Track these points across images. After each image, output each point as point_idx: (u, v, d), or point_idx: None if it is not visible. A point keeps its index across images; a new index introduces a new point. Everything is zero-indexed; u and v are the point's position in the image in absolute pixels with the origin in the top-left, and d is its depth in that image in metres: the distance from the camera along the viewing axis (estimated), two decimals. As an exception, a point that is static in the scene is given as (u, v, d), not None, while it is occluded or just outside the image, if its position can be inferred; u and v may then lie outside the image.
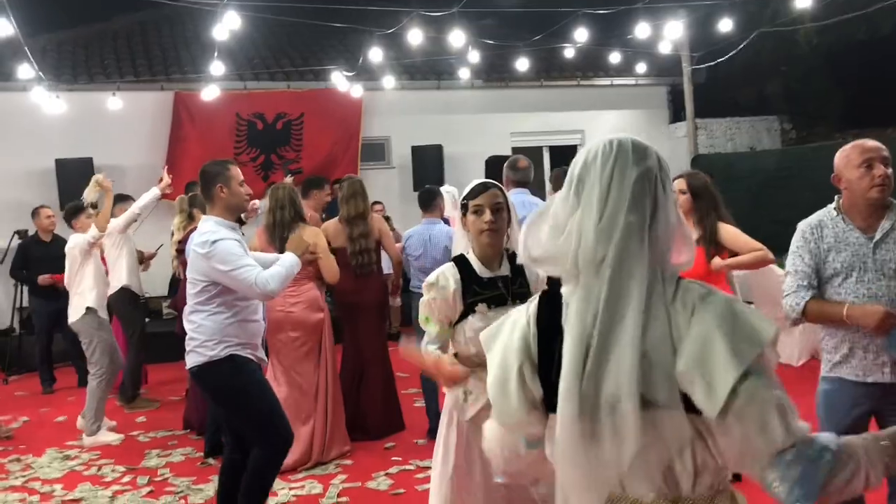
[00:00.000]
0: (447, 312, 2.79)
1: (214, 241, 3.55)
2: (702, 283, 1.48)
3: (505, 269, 2.84)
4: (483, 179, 2.90)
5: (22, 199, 9.25)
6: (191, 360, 3.68)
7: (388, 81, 10.44)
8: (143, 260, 7.50)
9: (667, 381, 1.37)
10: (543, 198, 6.27)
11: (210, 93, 9.69)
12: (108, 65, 11.03)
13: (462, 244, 2.93)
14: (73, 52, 11.40)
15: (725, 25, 9.34)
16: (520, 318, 1.58)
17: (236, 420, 3.83)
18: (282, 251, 4.92)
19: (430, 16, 8.24)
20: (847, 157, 3.00)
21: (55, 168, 9.89)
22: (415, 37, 8.04)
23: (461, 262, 2.86)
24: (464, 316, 2.79)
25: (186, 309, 3.74)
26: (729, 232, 4.31)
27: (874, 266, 2.94)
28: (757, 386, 1.36)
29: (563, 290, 1.51)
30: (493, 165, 8.57)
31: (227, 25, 7.09)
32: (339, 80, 10.09)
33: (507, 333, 1.57)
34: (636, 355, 1.36)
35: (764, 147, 12.41)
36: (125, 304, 6.93)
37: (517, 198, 5.45)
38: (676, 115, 12.63)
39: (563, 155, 12.77)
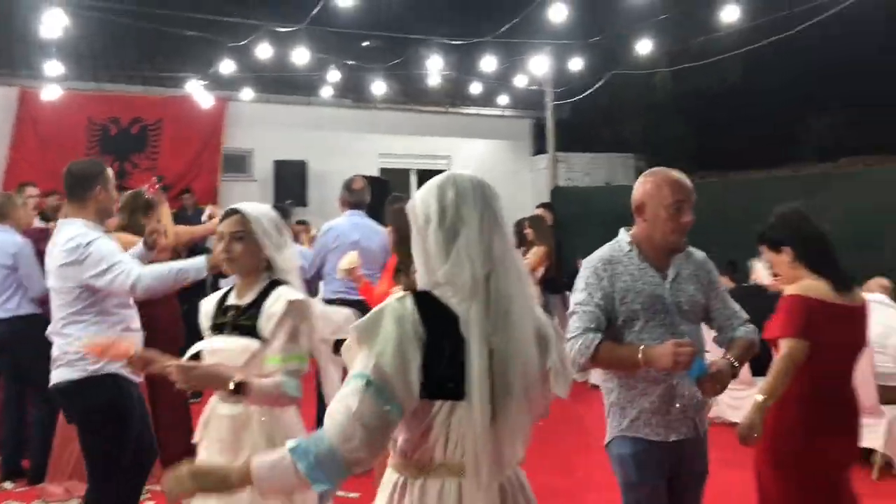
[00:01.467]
0: None
1: (88, 243, 3.28)
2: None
3: (249, 299, 2.70)
4: (234, 205, 2.76)
5: None
6: (61, 375, 3.34)
7: (247, 93, 10.23)
8: None
9: (539, 371, 1.80)
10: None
11: (51, 92, 9.17)
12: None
13: None
14: None
15: (581, 64, 9.71)
16: (404, 314, 1.71)
17: (99, 445, 3.44)
18: None
19: (281, 31, 8.13)
20: (658, 192, 2.70)
21: None
22: (264, 51, 7.92)
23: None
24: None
25: (56, 323, 3.41)
26: None
27: (673, 308, 2.71)
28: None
29: (454, 301, 1.73)
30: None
31: (54, 24, 6.72)
32: (194, 88, 9.80)
33: (393, 326, 1.69)
34: (534, 352, 1.76)
35: (619, 183, 12.93)
36: None
37: (351, 220, 5.41)
38: (539, 147, 12.98)
39: (430, 179, 12.88)
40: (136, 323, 3.57)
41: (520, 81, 10.90)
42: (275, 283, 2.68)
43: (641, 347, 2.57)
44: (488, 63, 9.33)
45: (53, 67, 8.51)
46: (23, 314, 4.95)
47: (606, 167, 13.24)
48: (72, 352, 3.30)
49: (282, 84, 11.31)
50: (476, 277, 1.71)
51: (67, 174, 3.50)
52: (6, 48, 10.67)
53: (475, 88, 11.21)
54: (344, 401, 1.65)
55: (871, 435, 5.22)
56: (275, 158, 11.09)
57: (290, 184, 10.95)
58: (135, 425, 3.44)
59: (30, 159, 9.91)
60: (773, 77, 12.72)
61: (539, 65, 10.13)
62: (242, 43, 8.60)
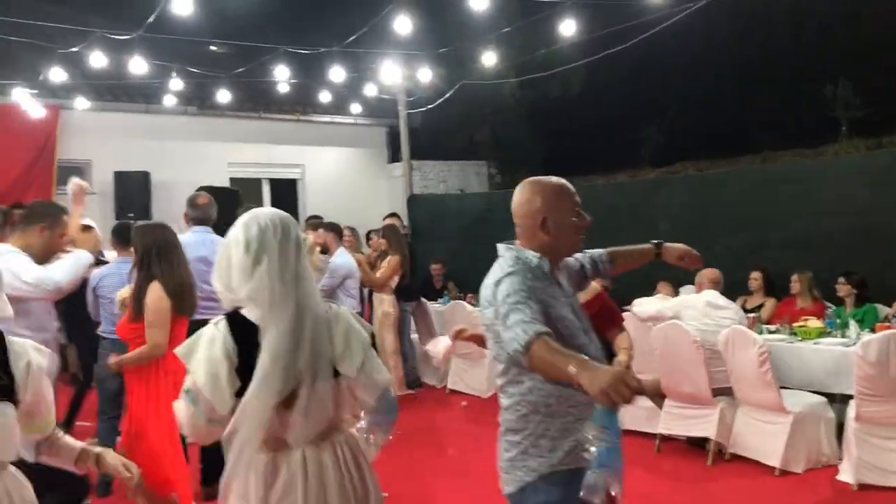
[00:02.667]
0: None
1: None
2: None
3: None
4: None
5: None
6: None
7: (81, 102, 9.67)
8: None
9: (329, 363, 2.25)
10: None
11: None
12: None
13: None
14: None
15: (430, 74, 9.85)
16: (216, 335, 2.18)
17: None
18: None
19: (115, 38, 7.76)
20: (559, 201, 2.53)
21: None
22: (97, 59, 7.52)
23: None
24: None
25: None
26: None
27: (582, 326, 2.53)
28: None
29: (253, 316, 2.19)
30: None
31: None
32: (22, 96, 9.16)
33: (205, 347, 2.17)
34: (322, 352, 2.23)
35: (473, 190, 13.21)
36: None
37: (197, 236, 5.21)
38: (394, 155, 13.06)
39: (283, 188, 12.67)
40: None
41: (370, 90, 10.92)
42: None
43: (585, 358, 2.10)
44: (337, 73, 9.29)
45: None
46: None
47: (460, 174, 13.49)
48: None
49: (120, 92, 10.76)
50: (276, 292, 2.17)
51: (29, 206, 3.95)
52: None
53: (325, 97, 11.13)
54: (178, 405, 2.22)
55: (705, 424, 5.60)
56: (115, 169, 10.52)
57: (133, 196, 10.42)
58: None
59: None
60: (611, 86, 13.39)
61: (390, 74, 10.19)
62: (74, 49, 8.09)
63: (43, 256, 3.75)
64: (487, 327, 2.51)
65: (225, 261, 2.23)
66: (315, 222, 7.50)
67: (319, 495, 2.23)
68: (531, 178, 2.61)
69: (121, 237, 5.19)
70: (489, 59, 9.51)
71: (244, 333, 2.17)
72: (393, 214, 9.40)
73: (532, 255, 2.50)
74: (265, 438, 2.19)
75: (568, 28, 8.16)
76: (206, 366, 2.15)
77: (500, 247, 2.60)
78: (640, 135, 14.09)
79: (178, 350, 2.22)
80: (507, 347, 2.25)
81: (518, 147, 13.87)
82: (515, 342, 2.20)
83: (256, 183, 12.43)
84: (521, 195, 2.57)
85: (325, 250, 7.11)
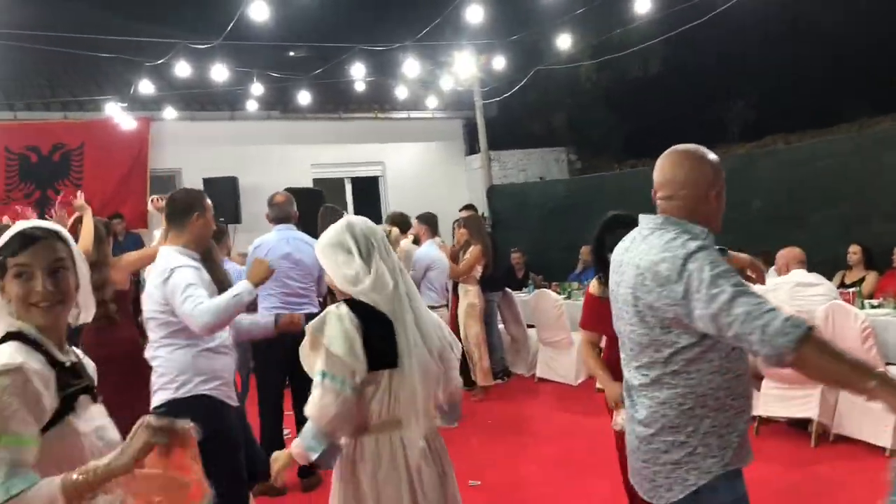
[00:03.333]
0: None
1: (174, 269, 3.29)
2: None
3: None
4: (33, 224, 1.91)
5: None
6: (158, 399, 3.37)
7: (170, 112, 10.04)
8: None
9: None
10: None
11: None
12: None
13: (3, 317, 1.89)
14: None
15: (503, 63, 9.79)
16: (342, 314, 2.45)
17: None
18: None
19: (198, 48, 8.01)
20: (721, 172, 2.30)
21: None
22: (182, 69, 7.79)
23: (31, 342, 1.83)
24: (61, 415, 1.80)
25: (150, 347, 3.44)
26: None
27: None
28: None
29: (379, 302, 2.51)
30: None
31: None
32: (115, 110, 9.58)
33: (335, 324, 2.44)
34: (444, 328, 2.72)
35: (553, 177, 13.07)
36: None
37: (280, 233, 5.33)
38: (472, 147, 13.05)
39: (365, 186, 12.85)
40: (227, 344, 3.54)
41: (446, 83, 10.93)
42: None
43: (880, 370, 1.99)
44: (412, 67, 9.34)
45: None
46: None
47: (539, 162, 13.37)
48: (160, 374, 3.37)
49: (205, 100, 11.12)
50: (393, 282, 2.54)
51: (168, 202, 3.60)
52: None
53: (402, 93, 11.21)
54: (314, 392, 2.43)
55: (807, 404, 5.38)
56: (204, 176, 10.87)
57: (222, 201, 10.72)
58: (232, 447, 3.41)
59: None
60: (692, 62, 13.02)
61: (464, 65, 10.19)
62: (160, 62, 8.42)
63: (204, 245, 3.63)
64: (657, 308, 2.17)
65: (339, 260, 2.56)
66: (395, 214, 7.55)
67: (431, 481, 2.57)
68: (688, 147, 2.32)
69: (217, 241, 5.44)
70: (564, 42, 9.37)
71: (367, 315, 2.48)
72: (468, 206, 9.33)
73: (699, 229, 2.23)
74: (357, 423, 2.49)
75: (644, 4, 7.95)
76: (341, 337, 2.42)
77: (650, 218, 2.33)
78: (726, 111, 13.66)
79: (311, 325, 2.53)
80: (765, 339, 1.93)
81: (597, 131, 13.65)
82: (783, 337, 1.91)
83: (339, 182, 12.64)
84: (686, 164, 2.29)
85: (417, 241, 7.16)
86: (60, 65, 11.58)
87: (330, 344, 2.42)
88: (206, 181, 10.87)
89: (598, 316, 3.41)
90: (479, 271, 7.64)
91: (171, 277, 3.28)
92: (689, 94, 13.32)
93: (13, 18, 8.76)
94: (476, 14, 7.42)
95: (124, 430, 1.76)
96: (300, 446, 2.47)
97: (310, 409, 2.45)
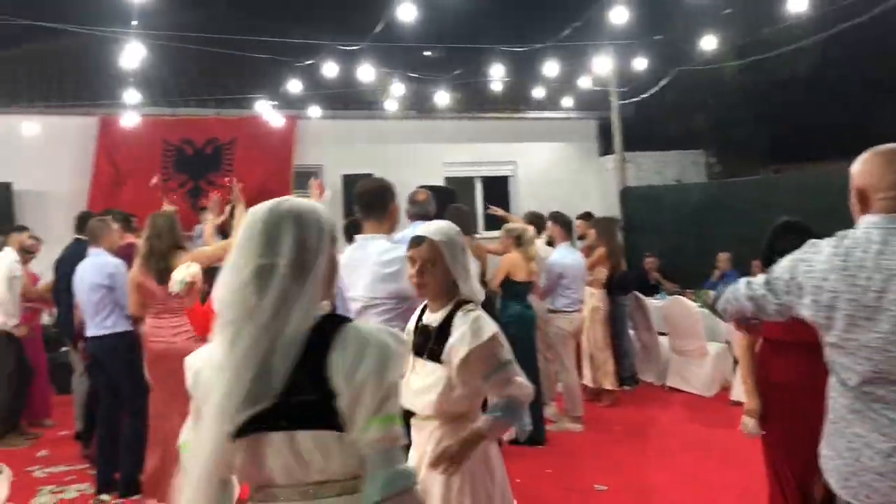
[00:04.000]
0: None
1: (402, 258, 3.36)
2: None
3: (436, 320, 2.71)
4: (425, 232, 2.71)
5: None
6: None
7: (315, 111, 10.48)
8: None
9: None
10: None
11: (130, 119, 9.61)
12: (31, 89, 10.83)
13: None
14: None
15: (644, 63, 9.60)
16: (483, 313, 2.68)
17: None
18: (159, 282, 4.85)
19: (347, 49, 8.33)
20: (882, 172, 2.25)
21: (-28, 193, 9.67)
22: (330, 69, 8.11)
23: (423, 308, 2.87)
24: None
25: None
26: None
27: None
28: None
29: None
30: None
31: (134, 55, 7.05)
32: (265, 108, 10.09)
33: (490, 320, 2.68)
34: None
35: (690, 180, 12.70)
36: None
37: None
38: (606, 148, 12.87)
39: (495, 186, 12.93)
40: None
41: (583, 83, 10.83)
42: (460, 304, 2.71)
43: None
44: (551, 67, 9.31)
45: (131, 96, 8.90)
46: (119, 331, 5.20)
47: (676, 165, 13.02)
48: None
49: (348, 99, 11.52)
50: None
51: (364, 194, 3.66)
52: (87, 81, 11.21)
53: (538, 92, 11.20)
54: (517, 378, 2.69)
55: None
56: (343, 173, 11.28)
57: (358, 198, 11.12)
58: None
59: (111, 184, 10.37)
60: (845, 64, 12.30)
61: (602, 65, 10.07)
62: (309, 62, 8.83)
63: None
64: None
65: (463, 259, 2.71)
66: (531, 213, 7.55)
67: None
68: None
69: (349, 234, 5.67)
70: (709, 42, 9.07)
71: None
72: (586, 215, 8.96)
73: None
74: None
75: (799, 3, 7.56)
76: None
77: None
78: (880, 115, 12.81)
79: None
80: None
81: (740, 134, 13.14)
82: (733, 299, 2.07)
83: (469, 181, 12.78)
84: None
85: (552, 242, 7.09)
86: (216, 64, 12.28)
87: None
88: (345, 177, 11.29)
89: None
90: (603, 274, 7.54)
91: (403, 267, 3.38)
92: (842, 97, 12.59)
93: (175, 21, 9.43)
94: (620, 15, 7.33)
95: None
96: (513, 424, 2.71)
97: (519, 390, 2.64)
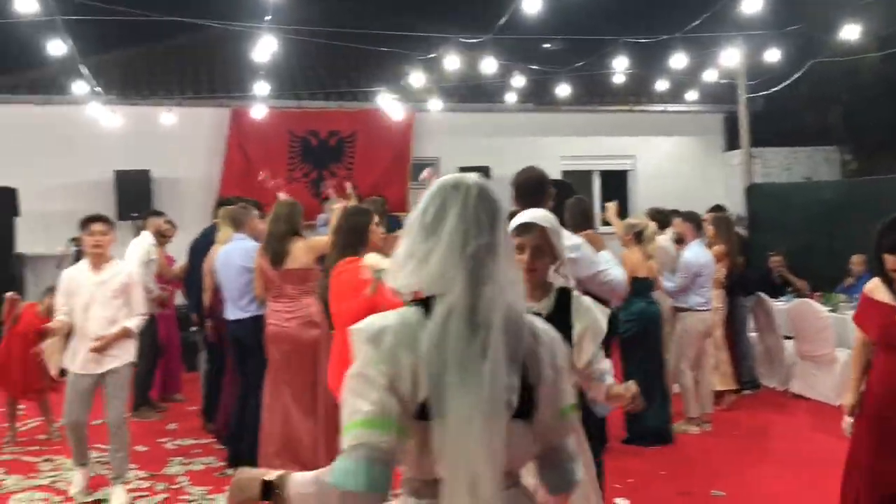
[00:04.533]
0: None
1: (578, 246, 3.61)
2: None
3: (545, 304, 2.74)
4: (531, 218, 2.77)
5: (82, 209, 9.59)
6: None
7: (435, 104, 10.59)
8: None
9: None
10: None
11: (259, 111, 10.02)
12: (170, 81, 11.47)
13: None
14: (136, 68, 11.87)
15: (777, 55, 9.17)
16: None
17: None
18: (273, 265, 5.05)
19: (468, 41, 8.37)
20: None
21: (114, 179, 10.32)
22: (452, 62, 8.18)
23: None
24: None
25: None
26: None
27: None
28: None
29: None
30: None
31: (266, 48, 7.34)
32: (386, 101, 10.29)
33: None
34: None
35: (821, 178, 12.06)
36: None
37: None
38: (732, 143, 12.40)
39: (613, 180, 12.70)
40: None
41: (709, 75, 10.45)
42: (565, 291, 2.78)
43: None
44: (677, 59, 9.02)
45: (261, 88, 9.28)
46: (261, 314, 5.35)
47: (807, 162, 12.40)
48: None
49: (467, 93, 11.58)
50: None
51: (523, 183, 3.77)
52: (220, 73, 11.77)
53: (661, 85, 10.91)
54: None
55: None
56: (459, 165, 11.34)
57: (476, 190, 11.17)
58: None
59: (241, 172, 10.87)
60: None
61: (731, 57, 9.69)
62: (431, 56, 8.94)
63: None
64: None
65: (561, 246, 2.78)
66: (653, 209, 7.39)
67: None
68: None
69: None
70: (849, 32, 8.55)
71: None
72: (716, 207, 8.74)
73: None
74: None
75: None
76: None
77: None
78: None
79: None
80: None
81: (879, 130, 12.35)
82: None
83: (587, 175, 12.61)
84: None
85: (680, 240, 6.90)
86: (340, 58, 12.64)
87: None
88: (462, 170, 11.36)
89: (871, 318, 3.57)
90: (721, 273, 7.26)
91: (581, 251, 3.55)
92: None
93: (301, 15, 9.74)
94: (752, 4, 7.02)
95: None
96: None
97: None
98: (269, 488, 1.60)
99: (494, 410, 1.50)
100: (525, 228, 2.73)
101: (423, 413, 1.53)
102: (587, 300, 2.79)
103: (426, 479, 1.59)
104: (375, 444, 1.51)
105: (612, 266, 3.73)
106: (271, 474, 1.62)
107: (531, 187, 3.69)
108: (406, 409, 1.53)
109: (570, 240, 3.45)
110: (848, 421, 3.68)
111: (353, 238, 4.44)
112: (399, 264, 1.65)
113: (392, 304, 1.73)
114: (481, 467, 1.48)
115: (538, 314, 2.60)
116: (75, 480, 5.15)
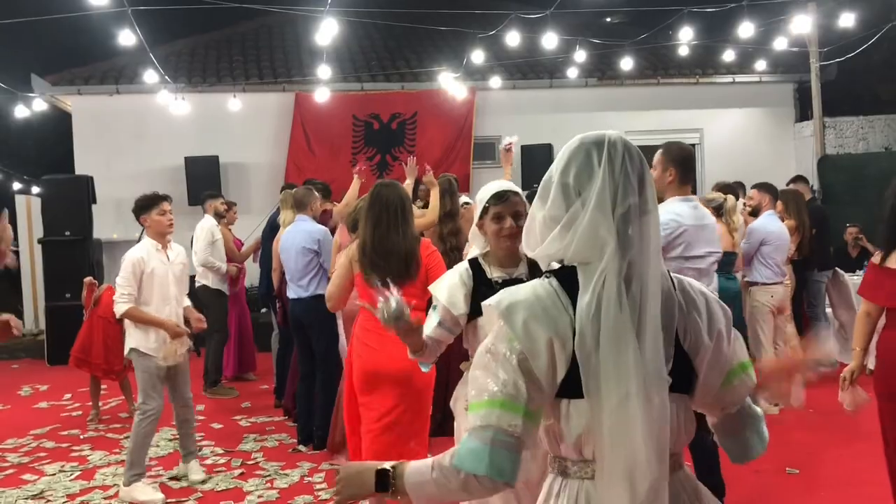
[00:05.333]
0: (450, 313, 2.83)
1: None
2: None
3: (522, 270, 2.87)
4: (507, 187, 2.89)
5: (154, 195, 9.93)
6: None
7: (496, 81, 10.55)
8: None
9: None
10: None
11: (321, 95, 10.14)
12: (235, 67, 11.68)
13: (479, 246, 2.97)
14: (203, 55, 12.15)
15: (850, 20, 8.80)
16: None
17: None
18: None
19: (528, 18, 8.28)
20: None
21: (184, 165, 10.60)
22: (513, 38, 8.11)
23: (474, 265, 2.90)
24: (472, 317, 2.81)
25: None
26: None
27: None
28: None
29: None
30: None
31: (328, 32, 7.40)
32: (447, 80, 10.28)
33: None
34: None
35: (901, 147, 11.59)
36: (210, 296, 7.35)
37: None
38: (803, 113, 12.00)
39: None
40: None
41: (779, 44, 10.10)
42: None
43: None
44: (745, 28, 8.72)
45: (324, 72, 9.37)
46: (321, 293, 5.33)
47: (886, 130, 11.91)
48: None
49: (528, 69, 11.48)
50: None
51: (688, 158, 4.06)
52: (283, 58, 11.93)
53: (728, 56, 10.59)
54: None
55: None
56: (522, 143, 11.28)
57: (538, 168, 11.08)
58: None
59: (305, 156, 11.05)
60: None
61: (802, 24, 9.35)
62: (491, 33, 8.89)
63: None
64: None
65: None
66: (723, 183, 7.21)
67: None
68: None
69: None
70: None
71: None
72: (798, 178, 8.50)
73: None
74: None
75: None
76: None
77: None
78: None
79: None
80: None
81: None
82: None
83: (652, 150, 12.26)
84: None
85: (755, 212, 6.71)
86: (401, 39, 12.68)
87: None
88: (524, 148, 11.30)
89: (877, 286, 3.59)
90: (791, 249, 7.05)
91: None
92: None
93: (360, -1, 9.80)
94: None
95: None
96: None
97: None
98: (382, 478, 1.53)
99: (655, 386, 1.41)
100: (502, 196, 2.82)
101: (565, 391, 1.45)
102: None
103: (574, 459, 1.51)
104: (503, 427, 1.43)
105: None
106: (384, 464, 1.54)
107: (691, 163, 4.02)
108: (541, 389, 1.44)
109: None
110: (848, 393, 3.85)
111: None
112: (536, 232, 1.54)
113: None
114: (642, 449, 1.38)
115: (519, 279, 2.73)
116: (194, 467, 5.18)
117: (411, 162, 5.89)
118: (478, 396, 1.47)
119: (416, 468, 1.52)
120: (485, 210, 2.85)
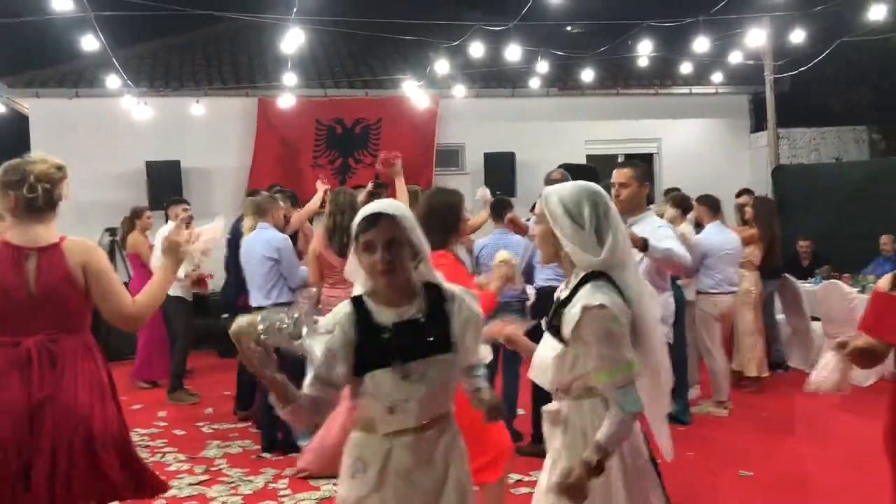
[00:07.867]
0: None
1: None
2: None
3: (418, 306, 2.27)
4: (377, 209, 2.24)
5: (114, 199, 9.84)
6: None
7: (459, 90, 10.67)
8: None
9: None
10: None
11: (286, 101, 10.14)
12: (198, 72, 11.62)
13: (360, 283, 2.34)
14: (166, 59, 12.06)
15: (803, 35, 9.09)
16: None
17: None
18: (340, 254, 5.15)
19: (492, 29, 8.42)
20: None
21: (145, 169, 10.51)
22: (476, 49, 8.24)
23: (360, 307, 2.28)
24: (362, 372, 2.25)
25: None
26: None
27: None
28: None
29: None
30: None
31: (294, 41, 7.44)
32: (411, 88, 10.36)
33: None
34: None
35: (850, 158, 11.96)
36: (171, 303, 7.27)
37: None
38: (758, 124, 12.32)
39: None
40: None
41: (735, 58, 10.39)
42: (432, 287, 2.33)
43: None
44: (701, 43, 8.99)
45: (289, 79, 9.40)
46: (281, 301, 5.41)
47: (836, 142, 12.28)
48: None
49: (491, 78, 11.62)
50: None
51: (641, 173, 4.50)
52: (247, 64, 11.90)
53: (685, 68, 10.87)
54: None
55: None
56: (484, 151, 11.41)
57: (500, 175, 11.22)
58: None
59: (268, 162, 11.02)
60: None
61: (756, 38, 9.63)
62: (456, 43, 9.01)
63: None
64: None
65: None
66: (676, 195, 7.37)
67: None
68: None
69: (497, 212, 6.04)
70: (877, 12, 8.47)
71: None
72: (745, 191, 8.65)
73: None
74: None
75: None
76: None
77: None
78: None
79: None
80: None
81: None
82: None
83: (612, 159, 12.56)
84: None
85: (700, 224, 6.90)
86: (365, 47, 12.73)
87: None
88: (487, 156, 11.44)
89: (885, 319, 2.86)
90: (757, 257, 7.27)
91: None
92: None
93: (327, 6, 9.82)
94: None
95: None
96: None
97: None
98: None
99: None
100: (371, 222, 2.21)
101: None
102: (456, 288, 2.36)
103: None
104: (635, 378, 2.26)
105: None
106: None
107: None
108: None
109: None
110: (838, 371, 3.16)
111: (439, 225, 3.52)
112: (579, 250, 2.31)
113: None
114: (665, 366, 2.53)
115: (415, 321, 2.22)
116: None
117: (398, 163, 5.79)
118: (616, 364, 2.23)
119: (604, 432, 2.22)
120: (355, 237, 2.26)
